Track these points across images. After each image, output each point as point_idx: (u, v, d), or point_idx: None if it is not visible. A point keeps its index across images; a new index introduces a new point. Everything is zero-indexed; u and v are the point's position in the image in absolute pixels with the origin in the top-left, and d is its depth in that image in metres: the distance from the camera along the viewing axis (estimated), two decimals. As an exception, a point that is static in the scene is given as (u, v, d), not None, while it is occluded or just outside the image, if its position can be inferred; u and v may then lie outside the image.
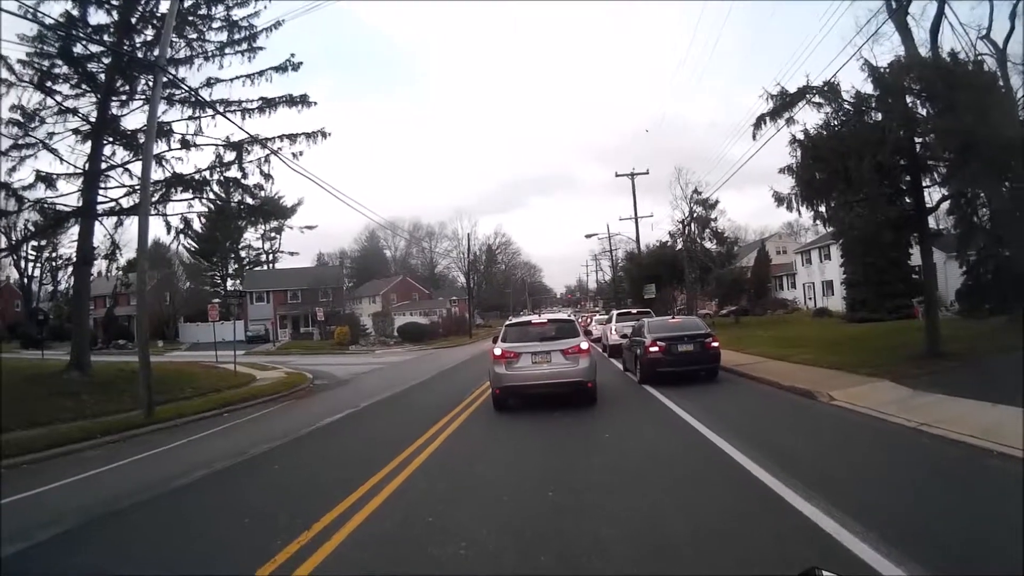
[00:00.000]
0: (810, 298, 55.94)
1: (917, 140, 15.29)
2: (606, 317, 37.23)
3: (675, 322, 18.23)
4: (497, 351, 13.72)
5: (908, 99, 15.20)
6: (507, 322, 16.25)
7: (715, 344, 16.25)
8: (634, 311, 31.62)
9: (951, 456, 7.55)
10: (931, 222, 17.66)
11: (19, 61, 21.34)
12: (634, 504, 6.43)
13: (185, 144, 23.44)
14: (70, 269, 23.89)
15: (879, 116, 15.34)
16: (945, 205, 17.35)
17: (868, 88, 15.60)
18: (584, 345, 13.67)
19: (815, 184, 15.92)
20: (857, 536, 4.97)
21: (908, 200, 16.17)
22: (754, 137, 17.14)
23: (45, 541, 7.01)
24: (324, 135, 23.37)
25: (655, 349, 16.01)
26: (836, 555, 4.70)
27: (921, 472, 7.08)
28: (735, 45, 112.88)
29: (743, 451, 8.17)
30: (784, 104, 16.11)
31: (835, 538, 5.02)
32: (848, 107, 15.70)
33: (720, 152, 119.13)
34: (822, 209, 16.62)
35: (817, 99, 15.82)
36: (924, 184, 15.99)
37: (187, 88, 22.41)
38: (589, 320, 47.12)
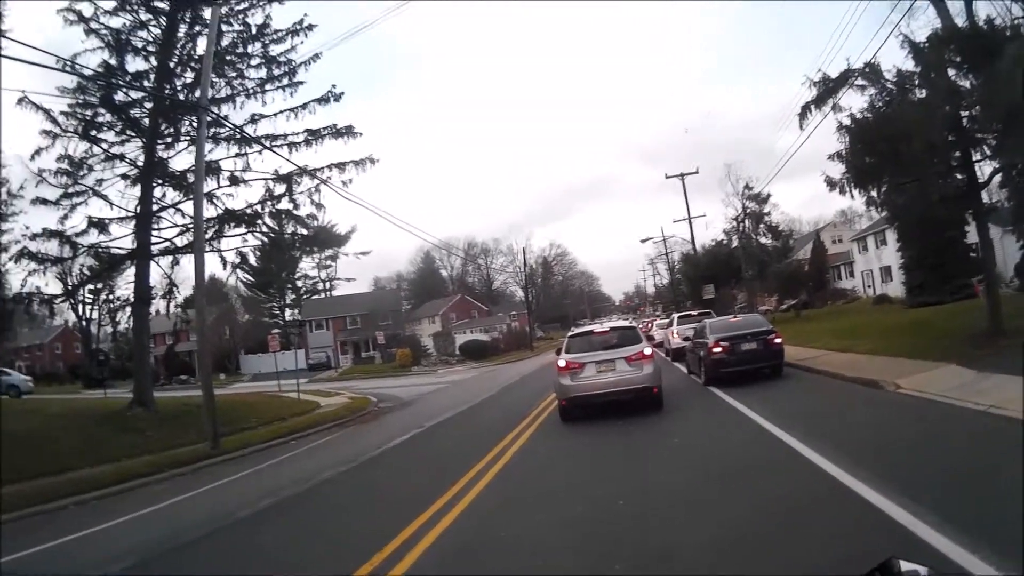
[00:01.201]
0: (869, 285, 54.73)
1: (963, 114, 14.94)
2: (667, 321, 36.75)
3: (736, 321, 17.95)
4: (561, 363, 13.74)
5: (950, 72, 14.90)
6: (569, 333, 16.28)
7: (778, 340, 15.99)
8: (694, 313, 31.24)
9: (1020, 437, 7.34)
10: (985, 197, 17.23)
11: (62, 112, 22.01)
12: (705, 510, 6.39)
13: (234, 180, 23.85)
14: (128, 309, 24.24)
15: (923, 93, 15.05)
16: (998, 178, 16.88)
17: (909, 65, 15.33)
18: (647, 351, 13.66)
19: (865, 168, 15.67)
20: (932, 527, 4.86)
21: (960, 176, 15.81)
22: (800, 127, 16.99)
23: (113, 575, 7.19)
24: (372, 161, 23.59)
25: (718, 349, 15.82)
26: (913, 546, 4.61)
27: (993, 457, 6.87)
28: (771, 36, 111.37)
29: (813, 447, 8.02)
30: (828, 90, 15.91)
31: (910, 530, 4.92)
32: (891, 87, 15.43)
33: (768, 143, 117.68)
34: (874, 194, 16.34)
35: (860, 82, 15.59)
36: (975, 159, 15.61)
37: (231, 126, 22.89)
38: (650, 325, 46.74)
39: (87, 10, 21.92)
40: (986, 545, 4.39)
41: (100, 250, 23.57)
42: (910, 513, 5.22)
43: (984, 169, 16.06)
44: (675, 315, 34.22)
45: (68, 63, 19.56)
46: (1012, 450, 6.83)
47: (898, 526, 5.07)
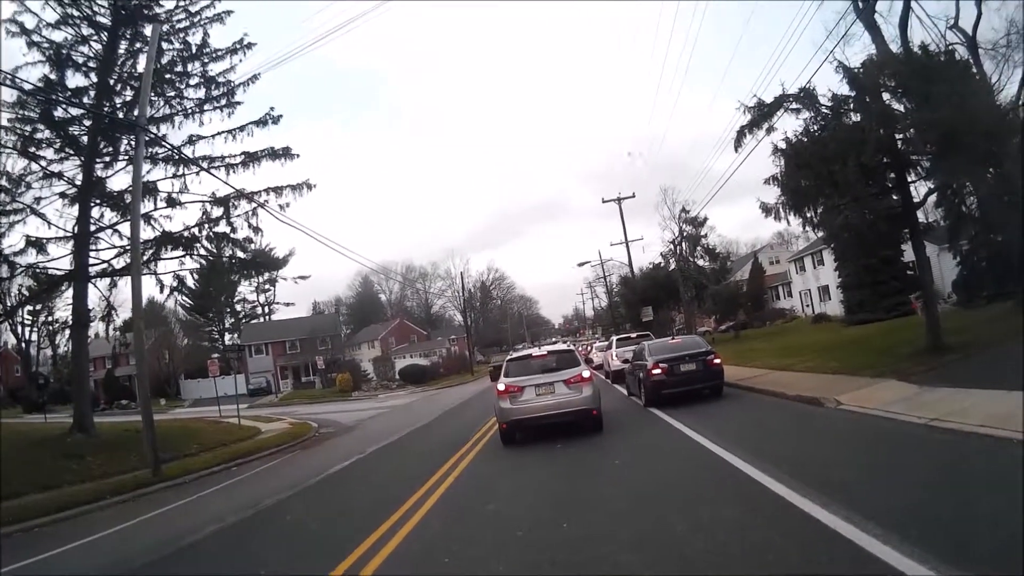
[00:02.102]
0: (808, 305, 55.89)
1: (898, 136, 15.36)
2: (606, 344, 36.94)
3: (675, 343, 18.09)
4: (501, 386, 13.73)
5: (885, 96, 15.32)
6: (508, 357, 16.26)
7: (717, 361, 16.12)
8: (633, 335, 31.41)
9: (963, 449, 7.49)
10: (920, 216, 17.73)
11: (0, 127, 21.50)
12: (649, 529, 6.37)
13: (171, 202, 23.51)
14: (67, 332, 23.72)
15: (858, 117, 15.44)
16: (933, 198, 17.40)
17: (845, 89, 15.74)
18: (586, 373, 13.68)
19: (801, 191, 16.01)
20: (877, 538, 4.93)
21: (895, 197, 16.24)
22: (736, 150, 17.28)
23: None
24: (309, 186, 23.58)
25: (658, 371, 15.87)
26: (860, 559, 4.68)
27: (935, 468, 7.02)
28: (709, 59, 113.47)
29: (754, 464, 8.08)
30: (762, 115, 16.22)
31: (856, 543, 4.96)
32: (826, 111, 15.81)
33: (705, 166, 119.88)
34: (811, 215, 16.68)
35: (795, 106, 15.93)
36: (910, 180, 16.06)
37: (169, 146, 22.61)
38: (589, 348, 46.92)
39: (30, 22, 21.61)
40: (934, 556, 4.47)
41: (39, 271, 23.06)
42: (854, 526, 5.28)
43: (919, 190, 16.56)
44: (614, 338, 34.25)
45: (8, 76, 19.10)
46: (957, 462, 7.02)
47: (842, 539, 5.12)
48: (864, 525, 5.26)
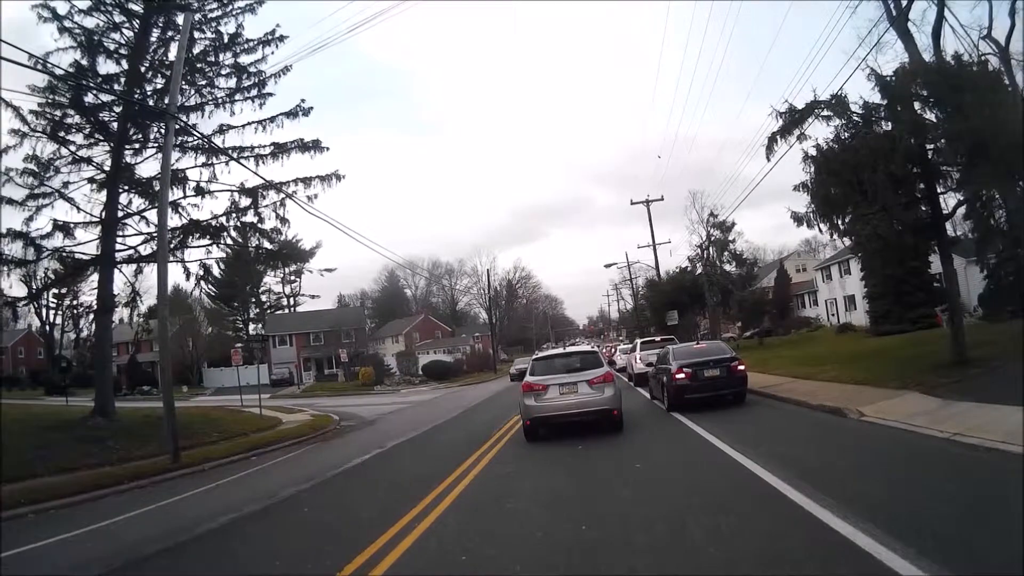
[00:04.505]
0: (833, 314, 55.39)
1: (928, 146, 15.20)
2: (630, 346, 36.80)
3: (700, 348, 18.02)
4: (526, 384, 14.21)
5: (916, 105, 15.15)
6: (534, 356, 17.06)
7: (741, 367, 16.07)
8: (658, 339, 31.18)
9: (984, 464, 7.44)
10: (949, 228, 17.51)
11: (31, 112, 21.70)
12: (667, 535, 6.34)
13: (200, 191, 23.67)
14: (92, 316, 23.88)
15: (889, 125, 15.28)
16: (962, 210, 17.18)
17: (876, 98, 15.56)
18: (608, 375, 14.10)
19: (831, 199, 15.86)
20: (896, 553, 4.89)
21: (924, 208, 16.06)
22: (767, 157, 17.12)
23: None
24: (338, 177, 23.56)
25: (681, 376, 15.85)
26: (879, 573, 4.66)
27: (956, 483, 6.95)
28: (741, 63, 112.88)
29: (776, 473, 8.05)
30: (793, 121, 16.09)
31: (876, 557, 4.92)
32: (857, 119, 15.64)
33: (734, 171, 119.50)
34: (839, 223, 16.55)
35: (826, 113, 15.78)
36: (939, 190, 15.87)
37: (199, 135, 22.70)
38: (613, 350, 46.71)
39: (62, 8, 21.78)
40: (950, 571, 4.45)
41: (65, 254, 23.26)
42: (873, 539, 5.24)
43: (948, 201, 16.36)
44: (638, 340, 34.15)
45: (40, 61, 19.28)
46: (979, 477, 6.93)
47: (860, 551, 5.09)
48: (883, 539, 5.22)
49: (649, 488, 8.67)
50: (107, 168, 22.48)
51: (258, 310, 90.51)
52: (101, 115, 22.88)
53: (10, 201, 21.83)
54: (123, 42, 22.75)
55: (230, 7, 23.64)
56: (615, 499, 8.20)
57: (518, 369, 42.81)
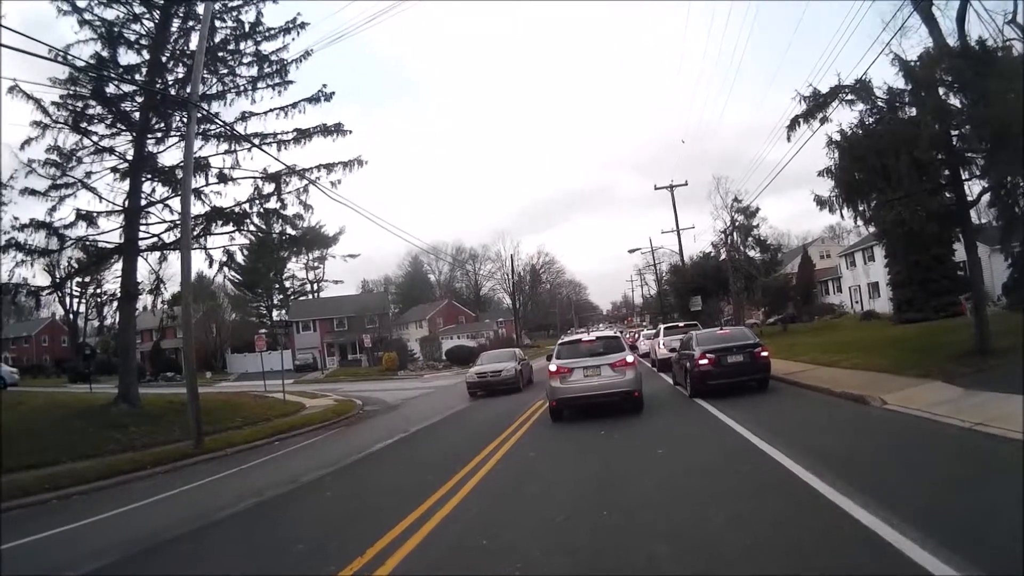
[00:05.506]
0: (856, 301, 55.01)
1: (953, 132, 15.04)
2: (653, 332, 36.54)
3: (723, 333, 17.94)
4: (552, 367, 15.10)
5: (940, 91, 14.98)
6: (559, 341, 18.02)
7: (764, 354, 16.01)
8: (681, 324, 30.94)
9: (1005, 455, 7.37)
10: (973, 216, 17.32)
11: (53, 103, 21.85)
12: (688, 520, 6.37)
13: (223, 178, 23.74)
14: (115, 304, 24.06)
15: (913, 111, 15.13)
16: (986, 197, 16.96)
17: (900, 83, 15.40)
18: (630, 358, 14.88)
19: (855, 184, 15.75)
20: (916, 542, 4.89)
21: (948, 195, 15.90)
22: (788, 139, 16.92)
23: (90, 573, 7.21)
24: (360, 163, 23.50)
25: (704, 362, 15.83)
26: (899, 562, 4.66)
27: (977, 473, 6.93)
28: (764, 49, 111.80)
29: (797, 460, 8.04)
30: (817, 104, 15.94)
31: (895, 546, 4.93)
32: (881, 104, 15.49)
33: (758, 156, 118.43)
34: (863, 209, 16.43)
35: (850, 97, 15.63)
36: (963, 177, 15.70)
37: (221, 123, 22.79)
38: (637, 336, 46.54)
39: (81, 1, 21.83)
40: (970, 562, 4.43)
41: (88, 243, 23.45)
42: (893, 528, 5.24)
43: (973, 188, 16.17)
44: (662, 326, 33.97)
45: (60, 53, 19.40)
46: (999, 468, 6.88)
47: (880, 540, 5.09)
48: (903, 528, 5.23)
49: (671, 474, 8.69)
50: (130, 157, 22.56)
51: (281, 296, 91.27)
52: (123, 105, 22.99)
53: (33, 192, 22.05)
54: (143, 33, 22.80)
55: (250, -5, 23.61)
56: (637, 485, 8.24)
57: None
